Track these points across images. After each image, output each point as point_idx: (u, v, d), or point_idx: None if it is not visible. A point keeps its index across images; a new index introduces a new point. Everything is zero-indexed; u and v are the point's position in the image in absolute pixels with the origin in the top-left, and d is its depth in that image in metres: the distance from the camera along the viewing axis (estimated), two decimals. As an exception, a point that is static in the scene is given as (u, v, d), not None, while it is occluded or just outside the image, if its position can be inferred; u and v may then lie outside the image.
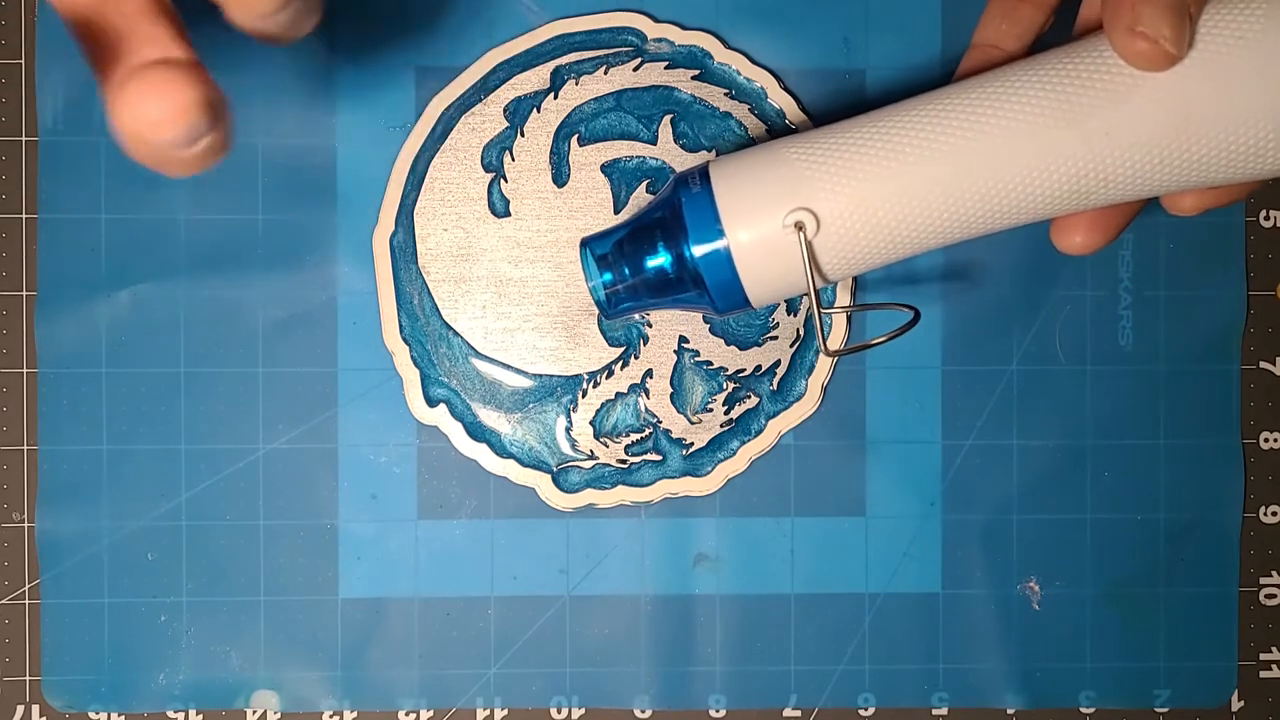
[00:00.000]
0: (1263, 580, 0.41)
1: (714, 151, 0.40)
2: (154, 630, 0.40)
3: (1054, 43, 0.31)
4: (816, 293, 0.32)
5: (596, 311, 0.40)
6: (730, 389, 0.40)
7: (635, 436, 0.40)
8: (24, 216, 0.40)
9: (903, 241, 0.32)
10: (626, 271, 0.33)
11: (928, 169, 0.30)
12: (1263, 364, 0.41)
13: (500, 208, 0.40)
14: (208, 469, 0.40)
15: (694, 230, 0.32)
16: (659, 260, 0.33)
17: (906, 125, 0.31)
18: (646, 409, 0.40)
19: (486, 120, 0.40)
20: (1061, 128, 0.30)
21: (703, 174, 0.32)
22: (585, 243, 0.34)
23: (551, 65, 0.40)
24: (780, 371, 0.40)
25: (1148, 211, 0.40)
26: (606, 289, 0.34)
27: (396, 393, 0.40)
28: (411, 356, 0.40)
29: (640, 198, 0.40)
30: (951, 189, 0.30)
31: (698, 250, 0.32)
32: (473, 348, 0.40)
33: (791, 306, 0.40)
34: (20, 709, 0.40)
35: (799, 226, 0.31)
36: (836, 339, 0.40)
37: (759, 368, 0.40)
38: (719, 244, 0.31)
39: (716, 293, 0.32)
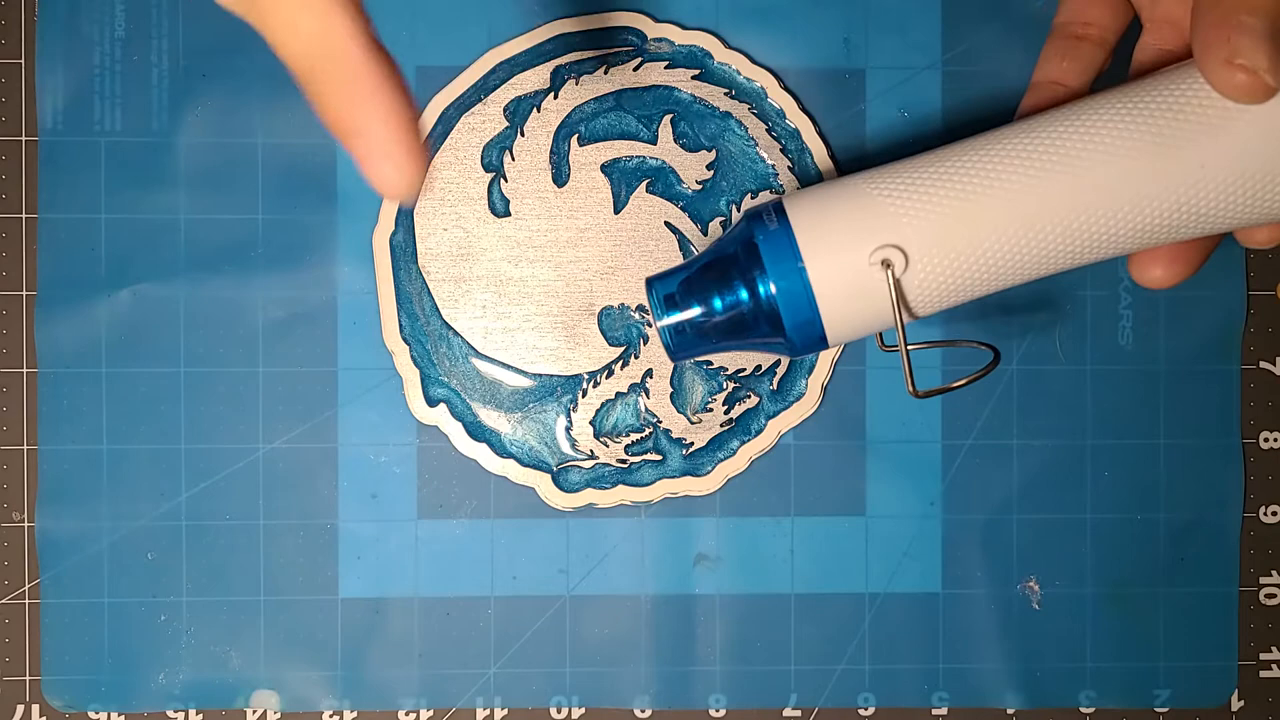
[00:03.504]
0: (1263, 580, 0.41)
1: (714, 152, 0.40)
2: (154, 630, 0.40)
3: (1117, 79, 0.31)
4: (904, 331, 0.31)
5: (596, 311, 0.40)
6: (730, 389, 0.40)
7: (635, 436, 0.40)
8: (24, 216, 0.40)
9: (988, 278, 0.31)
10: (696, 312, 0.32)
11: (1017, 203, 0.30)
12: (1263, 364, 0.41)
13: (500, 207, 0.40)
14: (208, 469, 0.40)
15: (773, 268, 0.30)
16: (732, 300, 0.31)
17: (993, 159, 0.30)
18: (646, 409, 0.40)
19: (486, 120, 0.40)
20: (1156, 160, 0.29)
21: (778, 209, 0.31)
22: (651, 282, 0.33)
23: (551, 65, 0.40)
24: (780, 371, 0.40)
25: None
26: (674, 330, 0.32)
27: (396, 393, 0.40)
28: (411, 356, 0.40)
29: (641, 197, 0.40)
30: (1042, 224, 0.30)
31: (776, 289, 0.30)
32: (473, 347, 0.40)
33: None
34: (20, 709, 0.40)
35: (886, 264, 0.30)
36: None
37: (759, 368, 0.40)
38: (799, 282, 0.30)
39: (795, 333, 0.31)
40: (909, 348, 0.32)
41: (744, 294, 0.31)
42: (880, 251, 0.30)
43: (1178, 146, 0.29)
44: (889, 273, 0.30)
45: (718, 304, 0.32)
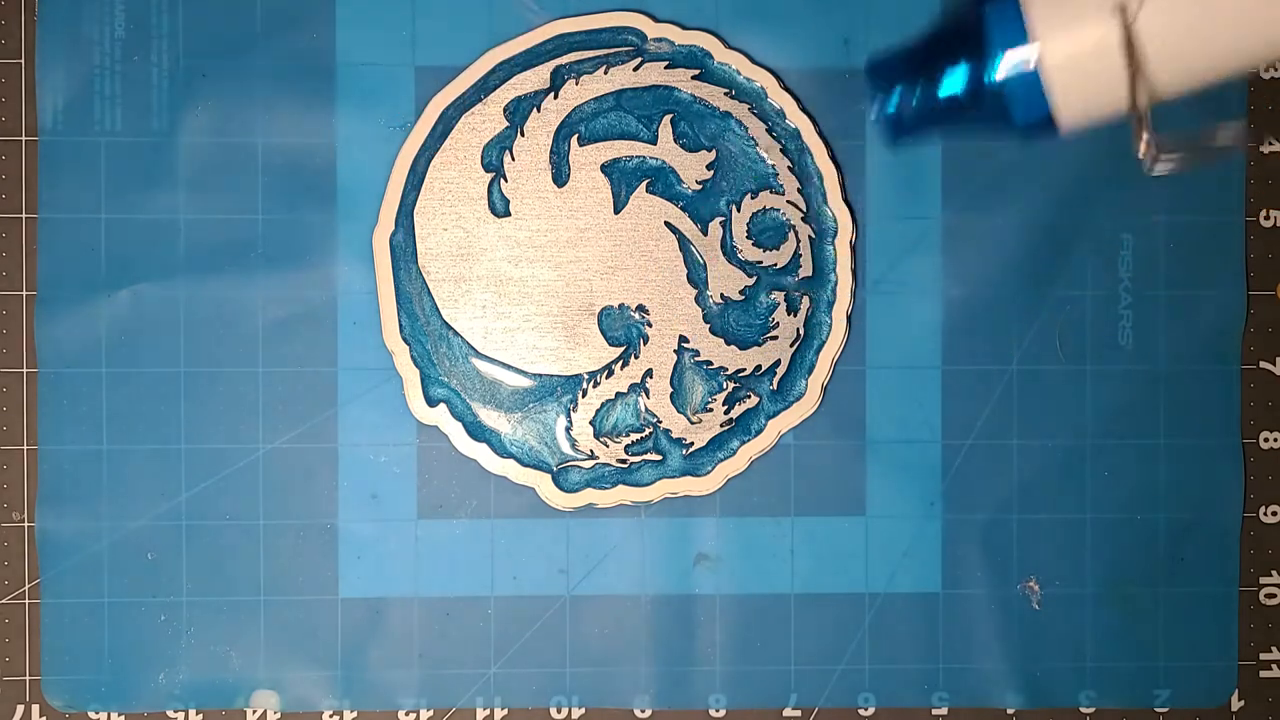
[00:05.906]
0: (1263, 580, 0.41)
1: (714, 152, 0.40)
2: (154, 630, 0.40)
3: None
4: (1137, 90, 0.28)
5: (596, 311, 0.40)
6: (730, 389, 0.40)
7: (635, 436, 0.40)
8: (24, 216, 0.40)
9: (1239, 39, 0.27)
10: (916, 93, 0.30)
11: None
12: (1263, 364, 0.41)
13: (500, 207, 0.40)
14: (208, 469, 0.40)
15: (998, 34, 0.28)
16: (955, 76, 0.30)
17: None
18: (646, 409, 0.40)
19: (486, 120, 0.40)
20: None
21: None
22: (869, 65, 0.31)
23: (551, 65, 0.40)
24: (780, 371, 0.40)
25: (1148, 212, 0.40)
26: (892, 113, 0.31)
27: (396, 393, 0.40)
28: (411, 356, 0.40)
29: (641, 197, 0.40)
30: None
31: (1003, 59, 0.28)
32: (473, 347, 0.40)
33: (792, 306, 0.40)
34: (20, 709, 0.40)
35: (1122, 7, 0.27)
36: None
37: (759, 367, 0.40)
38: (1028, 49, 0.28)
39: (1020, 107, 0.29)
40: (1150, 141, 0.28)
41: (967, 69, 0.29)
42: None
43: None
44: (1123, 15, 0.27)
45: (941, 82, 0.30)
